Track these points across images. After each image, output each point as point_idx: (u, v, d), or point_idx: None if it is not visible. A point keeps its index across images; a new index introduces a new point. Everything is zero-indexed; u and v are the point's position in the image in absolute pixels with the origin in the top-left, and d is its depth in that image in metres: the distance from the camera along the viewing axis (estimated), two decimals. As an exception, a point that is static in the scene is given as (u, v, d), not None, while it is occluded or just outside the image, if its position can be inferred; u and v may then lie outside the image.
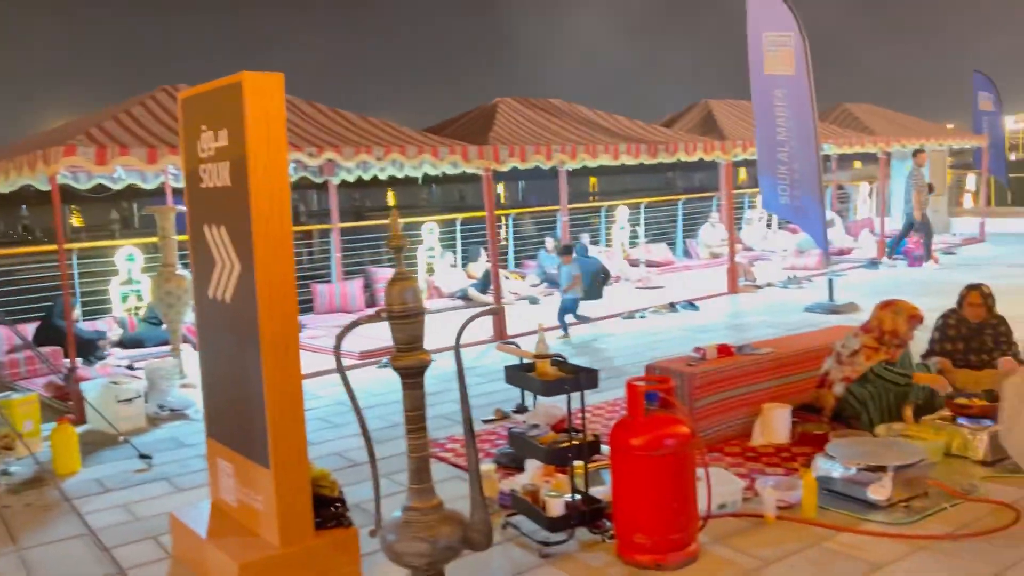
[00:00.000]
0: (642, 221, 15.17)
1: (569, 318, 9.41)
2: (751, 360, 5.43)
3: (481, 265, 11.95)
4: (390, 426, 5.87)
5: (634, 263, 13.42)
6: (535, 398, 4.46)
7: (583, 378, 3.84)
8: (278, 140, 3.45)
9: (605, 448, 4.90)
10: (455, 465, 5.07)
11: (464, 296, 11.59)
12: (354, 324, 3.29)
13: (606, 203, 15.30)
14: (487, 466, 4.45)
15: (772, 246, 15.42)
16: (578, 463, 3.92)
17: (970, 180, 21.93)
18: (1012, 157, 24.59)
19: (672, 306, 10.43)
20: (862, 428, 5.12)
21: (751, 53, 9.92)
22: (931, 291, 10.82)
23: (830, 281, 9.92)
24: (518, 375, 4.03)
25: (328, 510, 3.69)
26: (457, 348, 3.33)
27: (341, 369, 3.33)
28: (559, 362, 4.01)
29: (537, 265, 13.07)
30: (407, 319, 3.22)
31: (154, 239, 8.11)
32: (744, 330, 8.93)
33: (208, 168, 3.73)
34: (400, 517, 3.29)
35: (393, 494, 4.40)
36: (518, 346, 4.59)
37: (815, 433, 5.20)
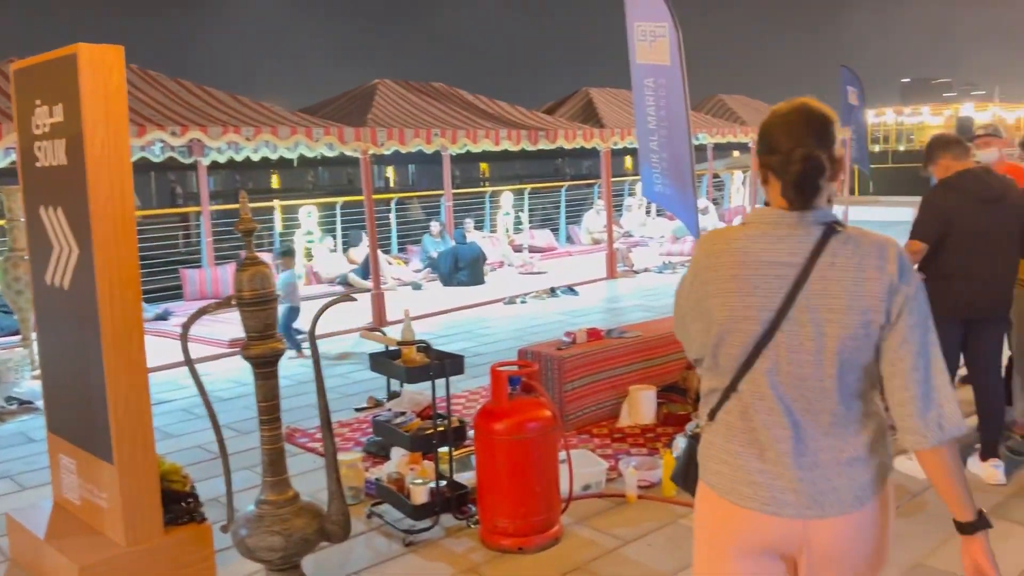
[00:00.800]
0: (527, 207, 15.26)
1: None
2: (619, 343, 5.53)
3: (363, 250, 11.75)
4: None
5: (518, 249, 13.49)
6: (401, 385, 4.41)
7: (447, 364, 3.80)
8: (118, 116, 3.25)
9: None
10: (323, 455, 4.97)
11: (344, 282, 11.38)
12: (201, 312, 3.15)
13: (490, 189, 15.32)
14: (353, 455, 4.37)
15: (651, 232, 15.81)
16: (443, 450, 3.89)
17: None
18: (876, 149, 26.00)
19: (552, 291, 10.54)
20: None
21: (628, 42, 10.07)
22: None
23: (703, 266, 10.22)
24: (383, 362, 3.96)
25: (179, 506, 3.53)
26: (313, 336, 3.23)
27: (188, 358, 3.19)
28: (424, 348, 3.96)
29: (421, 250, 12.97)
30: (258, 306, 3.10)
31: (1, 222, 7.59)
32: (619, 314, 9.12)
33: (43, 146, 3.49)
34: (253, 511, 3.18)
35: (254, 487, 4.26)
36: (383, 333, 4.52)
37: (679, 414, 5.35)
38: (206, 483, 3.81)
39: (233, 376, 6.96)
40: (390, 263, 12.14)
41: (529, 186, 15.87)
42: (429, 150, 10.23)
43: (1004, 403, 4.57)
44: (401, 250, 13.47)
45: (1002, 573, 1.78)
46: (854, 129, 18.31)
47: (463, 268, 11.69)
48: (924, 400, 1.69)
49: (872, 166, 20.91)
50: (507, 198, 15.15)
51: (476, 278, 11.71)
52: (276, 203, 12.69)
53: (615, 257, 11.89)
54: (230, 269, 10.88)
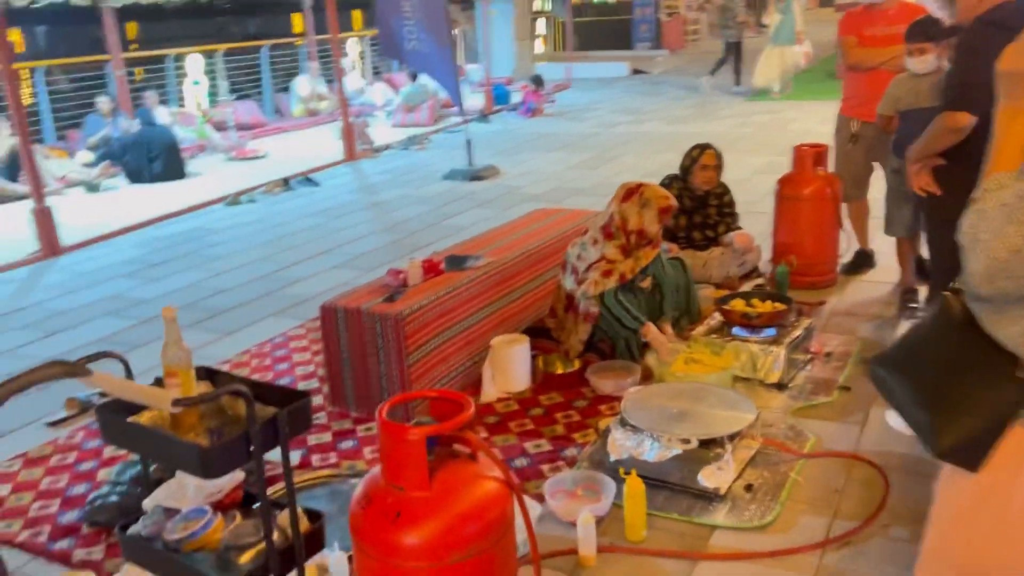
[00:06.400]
0: (223, 74, 12.36)
1: None
2: (469, 279, 3.76)
3: (3, 142, 8.51)
4: None
5: (221, 127, 10.80)
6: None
7: (283, 421, 1.83)
8: None
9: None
10: None
11: (-17, 188, 8.18)
12: None
13: (174, 51, 12.13)
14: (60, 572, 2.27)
15: (373, 99, 13.70)
16: None
17: (540, 24, 22.12)
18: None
19: (286, 183, 8.29)
20: (619, 356, 3.81)
21: None
22: (560, 145, 10.07)
23: (469, 142, 8.54)
24: (129, 431, 1.86)
25: None
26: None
27: None
28: (239, 391, 1.94)
29: (82, 137, 9.86)
30: None
31: None
32: (387, 211, 7.22)
33: None
34: None
35: None
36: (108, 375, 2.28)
37: (559, 373, 3.78)
38: None
39: None
40: (47, 157, 9.00)
41: (223, 46, 12.87)
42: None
43: None
44: (61, 139, 10.19)
45: None
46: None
47: (156, 157, 8.95)
48: None
49: (576, 20, 20.17)
50: (195, 62, 12.15)
51: (175, 170, 9.05)
52: None
53: (352, 133, 9.76)
54: None
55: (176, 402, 1.67)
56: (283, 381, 3.92)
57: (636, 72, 17.73)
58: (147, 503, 2.01)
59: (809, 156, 4.71)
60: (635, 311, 3.72)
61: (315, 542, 1.99)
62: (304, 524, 1.98)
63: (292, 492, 1.89)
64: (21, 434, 3.55)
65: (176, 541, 1.92)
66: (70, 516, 2.88)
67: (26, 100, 10.26)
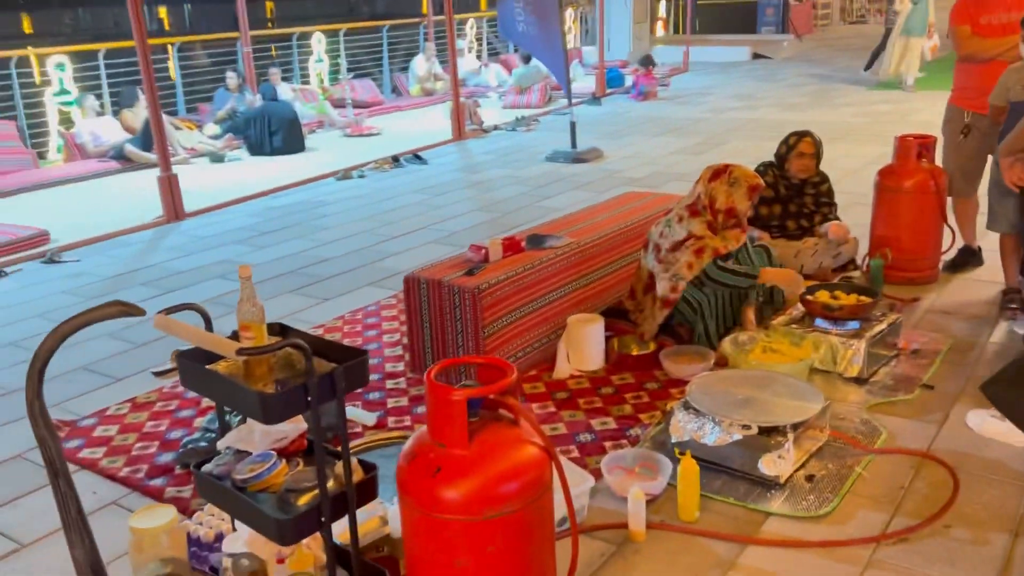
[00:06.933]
0: (343, 52, 12.81)
1: None
2: (548, 257, 3.84)
3: (140, 112, 9.12)
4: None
5: (339, 104, 11.20)
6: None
7: (338, 377, 1.98)
8: None
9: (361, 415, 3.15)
10: (111, 475, 3.05)
11: (120, 155, 8.82)
12: None
13: (297, 29, 12.65)
14: (162, 515, 2.50)
15: (488, 81, 13.89)
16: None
17: (661, 6, 21.79)
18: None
19: (396, 160, 8.57)
20: (696, 342, 3.82)
21: None
22: (668, 129, 9.97)
23: (573, 124, 8.58)
24: (208, 378, 2.05)
25: None
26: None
27: None
28: (283, 336, 2.10)
29: (210, 111, 10.42)
30: None
31: None
32: (486, 190, 7.37)
33: None
34: None
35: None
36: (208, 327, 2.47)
37: (635, 354, 3.82)
38: None
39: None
40: (178, 128, 9.59)
41: (345, 26, 13.31)
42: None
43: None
44: (191, 111, 10.81)
45: None
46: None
47: (276, 131, 9.39)
48: None
49: (698, 3, 19.76)
50: (319, 41, 12.63)
51: (294, 144, 9.47)
52: (31, 51, 9.60)
53: (462, 113, 9.97)
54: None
55: (240, 351, 1.84)
56: (370, 347, 4.12)
57: (757, 57, 17.28)
58: (220, 444, 2.20)
59: (913, 147, 4.54)
60: (744, 269, 3.75)
61: (368, 491, 2.13)
62: (359, 475, 2.13)
63: (346, 442, 2.04)
64: (132, 381, 3.88)
65: (243, 480, 2.09)
66: (165, 457, 3.15)
67: (171, 74, 10.92)
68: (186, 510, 2.77)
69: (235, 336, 2.13)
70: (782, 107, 10.96)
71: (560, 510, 2.58)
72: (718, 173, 3.83)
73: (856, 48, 17.07)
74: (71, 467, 3.12)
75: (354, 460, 2.14)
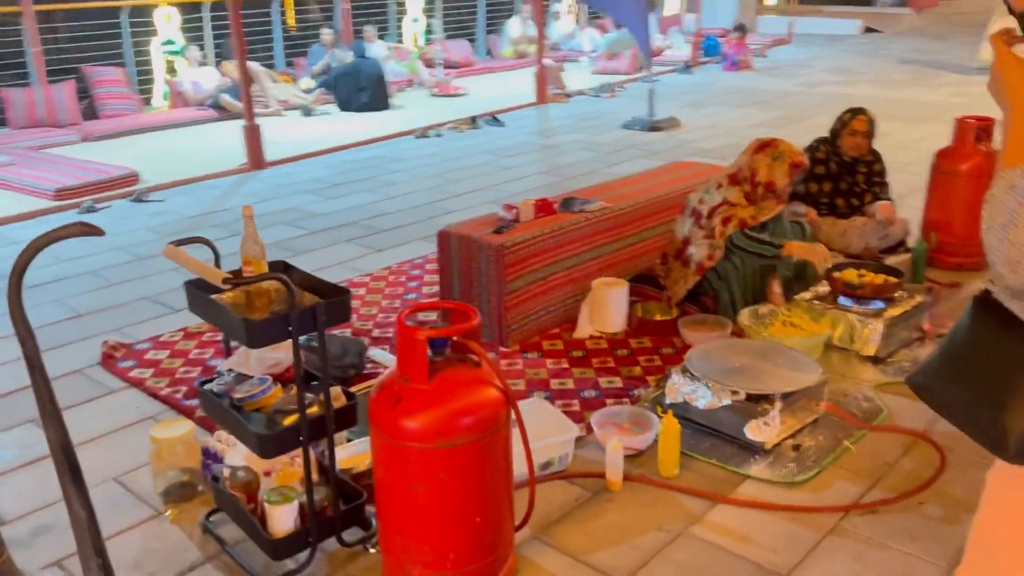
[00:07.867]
0: (440, 11, 13.00)
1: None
2: (578, 221, 3.96)
3: (236, 65, 9.54)
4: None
5: (430, 64, 11.44)
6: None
7: (319, 310, 2.19)
8: None
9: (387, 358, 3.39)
10: (151, 393, 3.39)
11: (216, 105, 9.30)
12: None
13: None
14: (179, 428, 2.80)
15: (581, 46, 13.86)
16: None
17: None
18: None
19: (474, 121, 8.75)
20: (721, 311, 3.88)
21: None
22: (754, 101, 9.81)
23: (651, 92, 8.56)
24: (208, 305, 2.29)
25: None
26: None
27: None
28: (281, 273, 2.32)
29: (306, 65, 10.80)
30: None
31: None
32: (555, 154, 7.48)
33: None
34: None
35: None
36: (215, 259, 2.70)
37: (657, 319, 3.92)
38: None
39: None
40: (275, 80, 10.02)
41: (441, -14, 13.48)
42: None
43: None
44: (289, 64, 11.25)
45: None
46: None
47: (364, 88, 9.70)
48: None
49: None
50: (415, 0, 12.85)
51: (380, 102, 9.77)
52: (143, 1, 10.17)
53: (545, 77, 10.05)
54: (68, 88, 8.65)
55: (225, 280, 2.07)
56: (409, 297, 4.34)
57: (869, 31, 16.60)
58: (222, 367, 2.45)
59: (971, 129, 4.42)
60: (769, 239, 3.77)
61: (347, 417, 2.35)
62: (341, 401, 2.34)
63: (327, 371, 2.26)
64: (188, 313, 4.20)
65: (239, 399, 2.34)
66: (204, 381, 3.46)
67: (291, 23, 11.05)
68: (212, 428, 3.06)
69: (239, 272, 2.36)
70: (879, 83, 10.59)
71: (542, 455, 2.76)
72: (764, 145, 3.85)
73: (975, 25, 16.18)
74: (121, 384, 3.49)
75: (338, 389, 2.37)
